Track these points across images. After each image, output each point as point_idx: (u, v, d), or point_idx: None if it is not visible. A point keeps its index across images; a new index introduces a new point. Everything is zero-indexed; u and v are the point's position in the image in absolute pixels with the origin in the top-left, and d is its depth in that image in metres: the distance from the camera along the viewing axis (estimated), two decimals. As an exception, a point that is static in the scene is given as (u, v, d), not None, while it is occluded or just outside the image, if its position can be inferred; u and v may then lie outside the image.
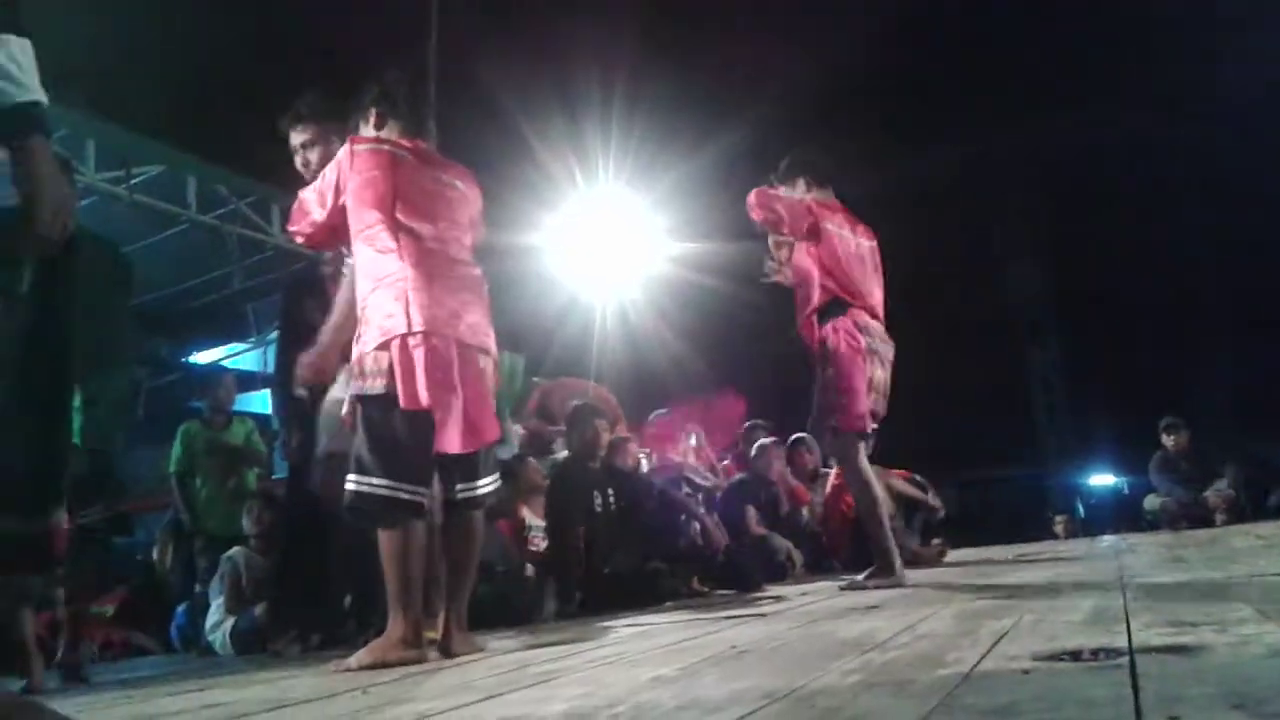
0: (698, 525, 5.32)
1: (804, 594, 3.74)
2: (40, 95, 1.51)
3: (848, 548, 5.82)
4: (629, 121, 9.02)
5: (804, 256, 3.82)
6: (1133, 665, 1.19)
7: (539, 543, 4.66)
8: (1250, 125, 12.67)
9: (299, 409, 3.31)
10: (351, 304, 2.83)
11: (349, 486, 2.42)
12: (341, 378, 3.03)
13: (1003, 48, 14.32)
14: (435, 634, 2.55)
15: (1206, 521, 7.20)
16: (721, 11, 12.05)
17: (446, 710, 1.43)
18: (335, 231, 2.64)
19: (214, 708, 1.90)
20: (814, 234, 3.75)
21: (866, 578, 3.58)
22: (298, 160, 3.15)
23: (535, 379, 6.90)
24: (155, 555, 5.98)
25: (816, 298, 3.75)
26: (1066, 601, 2.17)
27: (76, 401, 3.30)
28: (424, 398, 2.37)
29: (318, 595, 3.65)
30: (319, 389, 2.99)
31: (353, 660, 2.33)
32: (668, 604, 4.27)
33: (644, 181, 9.09)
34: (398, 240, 2.48)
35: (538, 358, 7.67)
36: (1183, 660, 1.21)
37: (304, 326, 3.19)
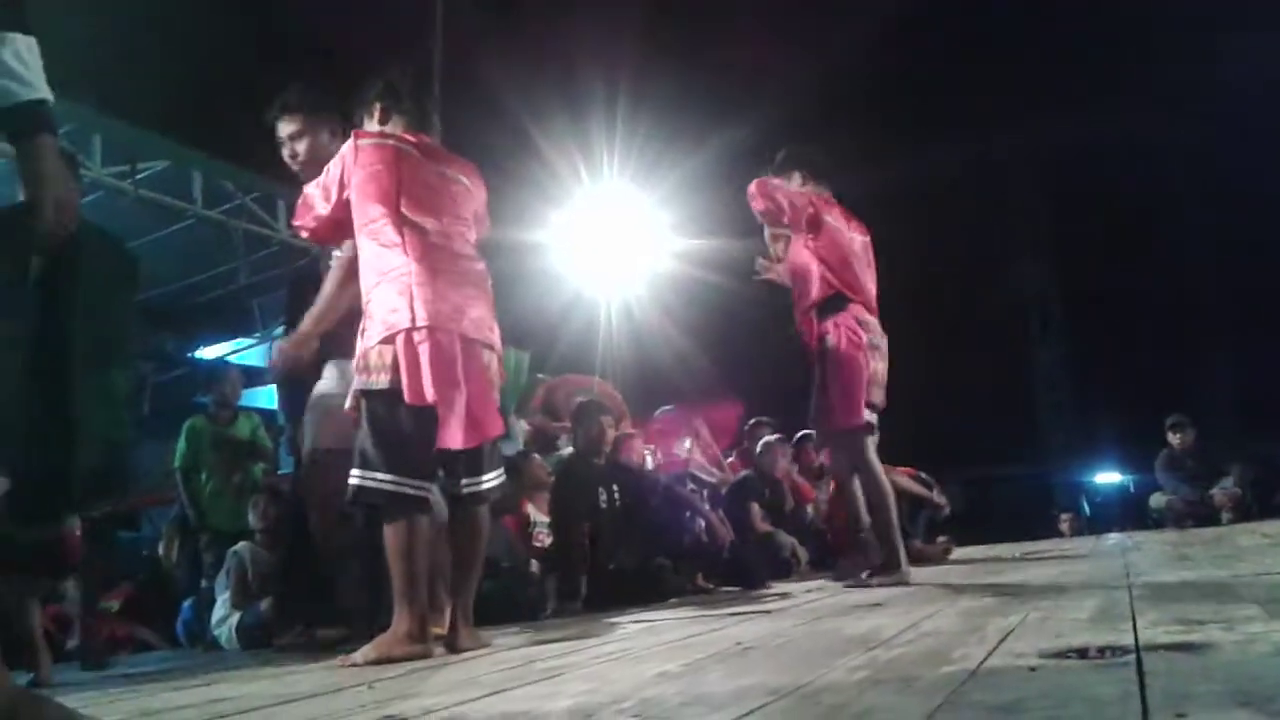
0: (702, 522, 5.32)
1: (809, 591, 3.74)
2: (46, 93, 1.51)
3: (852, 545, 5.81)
4: (633, 119, 9.03)
5: (801, 251, 3.81)
6: (1139, 663, 1.18)
7: (544, 539, 4.67)
8: (1250, 125, 12.64)
9: (305, 404, 3.31)
10: (334, 295, 2.84)
11: (353, 481, 2.42)
12: (329, 373, 3.03)
13: (1003, 48, 14.32)
14: (441, 629, 2.55)
15: (1212, 520, 7.20)
16: (724, 11, 12.06)
17: (452, 705, 1.42)
18: (340, 226, 2.63)
19: (219, 702, 1.90)
20: (814, 226, 3.74)
21: (870, 575, 3.58)
22: (285, 151, 3.14)
23: (540, 375, 6.88)
24: (161, 550, 5.98)
25: (815, 292, 3.74)
26: (1072, 599, 2.16)
27: (85, 397, 3.30)
28: (429, 393, 2.37)
29: (323, 590, 3.65)
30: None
31: (358, 655, 2.32)
32: (672, 600, 4.28)
33: (648, 178, 9.09)
34: (402, 235, 2.47)
35: (543, 354, 7.65)
36: (1189, 658, 1.20)
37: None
